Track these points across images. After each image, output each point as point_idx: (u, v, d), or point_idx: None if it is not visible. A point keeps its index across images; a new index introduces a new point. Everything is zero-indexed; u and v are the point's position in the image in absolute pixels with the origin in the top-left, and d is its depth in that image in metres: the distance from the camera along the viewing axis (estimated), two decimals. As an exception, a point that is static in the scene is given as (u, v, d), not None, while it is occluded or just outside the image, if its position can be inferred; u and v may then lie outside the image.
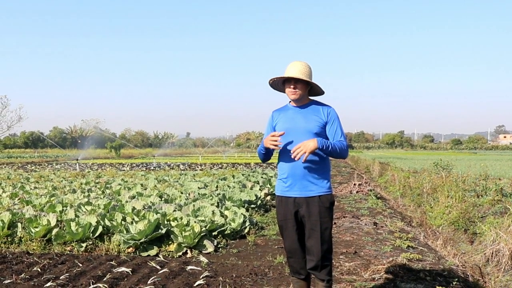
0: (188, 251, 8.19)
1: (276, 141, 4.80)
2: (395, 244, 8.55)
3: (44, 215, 9.41)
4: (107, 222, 9.01)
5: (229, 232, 9.36)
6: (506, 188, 15.45)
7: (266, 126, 5.22)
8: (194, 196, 13.21)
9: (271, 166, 33.95)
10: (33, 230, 8.80)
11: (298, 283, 5.17)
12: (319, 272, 4.91)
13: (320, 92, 5.11)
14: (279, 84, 5.08)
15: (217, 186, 16.71)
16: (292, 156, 4.69)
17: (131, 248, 8.27)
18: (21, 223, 9.29)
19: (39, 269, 7.10)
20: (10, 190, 16.16)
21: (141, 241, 8.18)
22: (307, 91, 5.01)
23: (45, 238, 8.82)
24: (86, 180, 21.03)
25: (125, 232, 8.44)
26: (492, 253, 8.89)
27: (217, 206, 11.01)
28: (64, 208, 10.62)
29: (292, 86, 4.88)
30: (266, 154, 5.11)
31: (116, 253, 8.25)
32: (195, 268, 7.12)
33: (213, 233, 9.06)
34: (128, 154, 79.41)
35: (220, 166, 39.55)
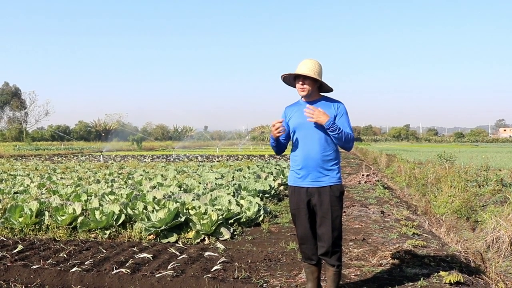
0: (206, 238, 8.19)
1: (277, 128, 4.90)
2: (401, 232, 8.51)
3: (70, 204, 9.46)
4: (129, 211, 9.03)
5: (244, 220, 9.35)
6: (506, 178, 15.43)
7: None
8: (212, 186, 13.22)
9: (284, 158, 33.89)
10: (59, 218, 8.84)
11: (310, 268, 5.18)
12: (329, 257, 4.93)
13: (328, 89, 5.11)
14: (291, 79, 5.09)
15: (233, 177, 16.72)
16: (306, 110, 4.79)
17: (152, 235, 8.29)
18: (48, 211, 9.33)
19: (65, 255, 7.13)
20: (38, 180, 16.27)
21: (161, 228, 8.19)
22: (317, 88, 5.01)
23: (71, 226, 8.85)
24: (109, 171, 21.13)
25: (146, 220, 8.45)
26: (493, 240, 8.86)
27: (233, 196, 11.01)
28: (89, 198, 10.67)
29: (300, 83, 4.91)
30: (278, 147, 5.18)
31: (138, 240, 8.27)
32: (213, 254, 7.12)
33: (230, 221, 9.06)
34: (149, 146, 79.46)
35: (236, 158, 39.50)
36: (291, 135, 5.08)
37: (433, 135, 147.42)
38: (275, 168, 20.64)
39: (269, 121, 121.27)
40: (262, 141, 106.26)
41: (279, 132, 4.91)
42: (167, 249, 7.47)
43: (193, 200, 10.00)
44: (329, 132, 4.82)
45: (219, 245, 7.69)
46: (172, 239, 8.19)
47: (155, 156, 44.42)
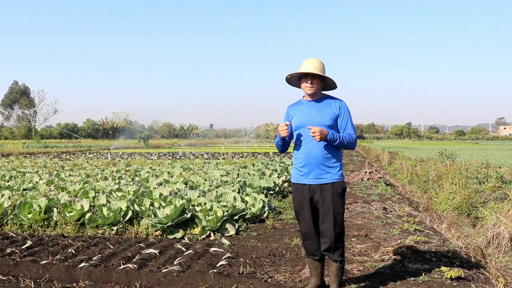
0: (212, 234, 8.20)
1: (286, 129, 4.96)
2: (403, 228, 8.51)
3: (78, 201, 9.47)
4: (136, 207, 9.04)
5: (249, 216, 9.36)
6: (506, 175, 15.41)
7: (282, 121, 5.22)
8: (217, 183, 13.21)
9: (288, 155, 33.82)
10: (67, 215, 8.86)
11: (313, 263, 5.19)
12: (332, 253, 4.93)
13: (333, 86, 5.13)
14: (295, 80, 5.10)
15: (238, 174, 16.70)
16: (311, 133, 4.77)
17: (158, 231, 8.30)
18: (57, 208, 9.34)
19: (73, 251, 7.14)
20: (46, 177, 16.28)
21: (167, 224, 8.20)
22: (321, 86, 5.02)
23: (79, 222, 8.87)
24: (117, 168, 21.13)
25: (153, 216, 8.46)
26: (493, 236, 8.85)
27: (238, 192, 11.01)
28: (97, 194, 10.67)
29: (309, 82, 4.90)
30: (284, 145, 5.19)
31: (144, 236, 8.28)
32: (218, 249, 7.12)
33: (235, 217, 9.07)
34: (156, 144, 79.51)
35: (241, 155, 39.39)
36: (294, 134, 5.09)
37: (434, 133, 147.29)
38: (279, 166, 20.60)
39: (273, 119, 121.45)
40: (267, 139, 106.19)
41: (287, 132, 4.96)
42: (173, 245, 7.48)
43: (199, 196, 10.00)
44: (330, 143, 4.86)
45: (224, 241, 7.69)
46: (178, 235, 8.19)
47: (161, 154, 44.36)
